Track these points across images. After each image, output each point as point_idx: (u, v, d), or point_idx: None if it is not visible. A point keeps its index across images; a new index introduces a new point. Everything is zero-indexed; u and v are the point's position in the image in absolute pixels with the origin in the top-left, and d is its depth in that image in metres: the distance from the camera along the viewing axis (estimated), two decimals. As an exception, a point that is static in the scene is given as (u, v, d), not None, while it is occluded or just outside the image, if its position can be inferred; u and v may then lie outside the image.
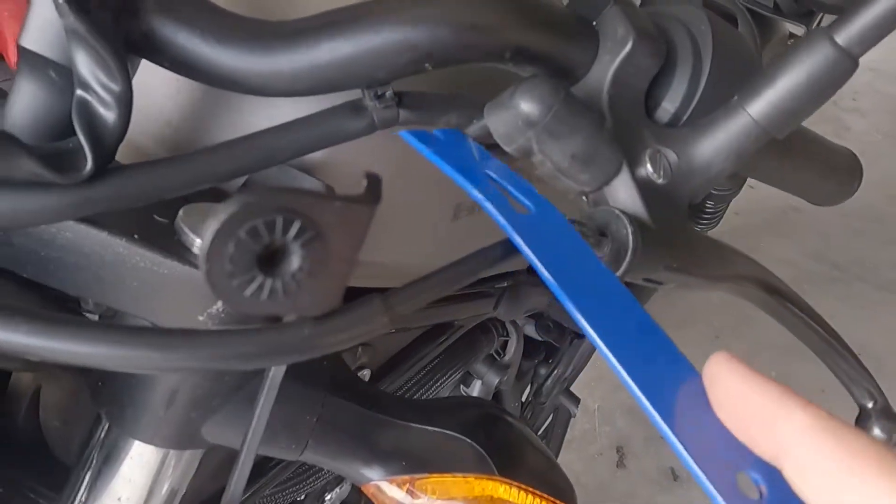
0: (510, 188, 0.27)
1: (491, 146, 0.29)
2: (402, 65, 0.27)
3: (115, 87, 0.23)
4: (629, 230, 0.26)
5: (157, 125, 0.33)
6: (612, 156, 0.27)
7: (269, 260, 0.20)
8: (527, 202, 0.26)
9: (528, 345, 0.89)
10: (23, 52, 0.24)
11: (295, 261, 0.20)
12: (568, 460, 1.57)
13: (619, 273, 0.26)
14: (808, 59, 0.26)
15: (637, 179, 0.28)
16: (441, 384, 0.61)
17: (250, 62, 0.26)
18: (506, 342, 0.73)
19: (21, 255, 0.25)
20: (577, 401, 1.10)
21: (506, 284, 0.60)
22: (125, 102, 0.23)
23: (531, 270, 0.61)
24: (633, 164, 0.28)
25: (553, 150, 0.27)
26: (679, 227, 0.29)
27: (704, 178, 0.29)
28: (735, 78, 0.31)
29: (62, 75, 0.24)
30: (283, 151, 0.27)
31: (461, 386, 0.74)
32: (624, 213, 0.26)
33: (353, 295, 0.45)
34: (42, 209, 0.23)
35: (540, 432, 1.15)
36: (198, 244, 0.26)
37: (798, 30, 1.14)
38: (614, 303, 0.23)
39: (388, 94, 0.28)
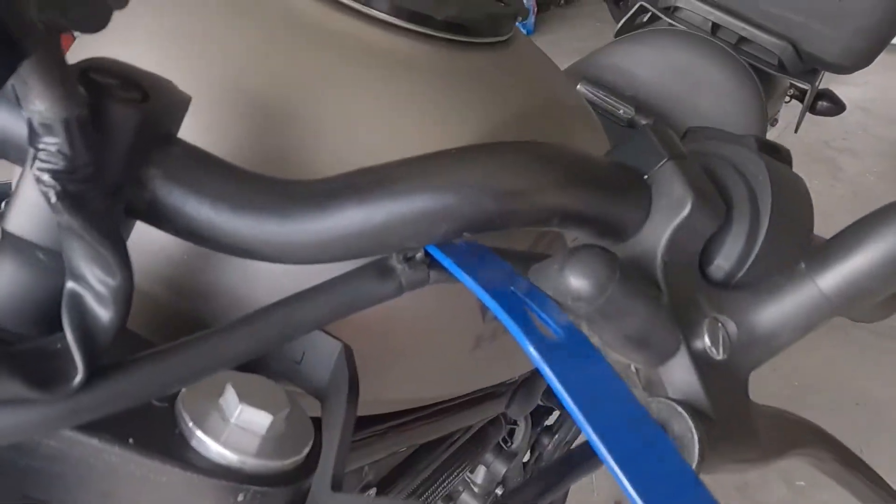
0: (536, 309, 0.25)
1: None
2: (439, 235, 0.24)
3: (113, 282, 0.20)
4: (695, 436, 0.23)
5: (160, 264, 0.30)
6: (669, 336, 0.25)
7: None
8: (553, 325, 0.24)
9: (532, 411, 0.86)
10: (7, 236, 0.21)
11: None
12: (566, 516, 1.53)
13: (682, 483, 0.23)
14: (891, 233, 0.24)
15: (694, 356, 0.25)
16: (448, 484, 0.58)
17: (266, 232, 0.23)
18: (513, 430, 0.70)
19: (-4, 465, 0.21)
20: (578, 464, 1.06)
21: (517, 380, 0.57)
22: (124, 297, 0.20)
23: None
24: (690, 337, 0.25)
25: (604, 330, 0.24)
26: (740, 408, 0.26)
27: (766, 351, 0.26)
28: (795, 232, 0.28)
29: (51, 258, 0.21)
30: (303, 325, 0.24)
31: (466, 473, 0.71)
32: (685, 409, 0.23)
33: (367, 423, 0.42)
34: (24, 426, 0.19)
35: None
36: (198, 436, 0.23)
37: (804, 86, 1.13)
38: (641, 438, 0.22)
39: (419, 256, 0.26)
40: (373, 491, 0.45)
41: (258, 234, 0.23)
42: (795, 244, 0.28)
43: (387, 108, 0.31)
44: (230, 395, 0.24)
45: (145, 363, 0.21)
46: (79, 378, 0.19)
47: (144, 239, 0.30)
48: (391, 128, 0.31)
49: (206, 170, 0.23)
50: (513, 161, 0.24)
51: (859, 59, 1.06)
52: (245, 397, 0.24)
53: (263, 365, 0.28)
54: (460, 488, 0.71)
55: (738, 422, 0.25)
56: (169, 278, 0.30)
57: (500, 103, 0.35)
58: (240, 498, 0.23)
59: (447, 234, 0.24)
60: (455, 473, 0.59)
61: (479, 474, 0.71)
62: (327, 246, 0.23)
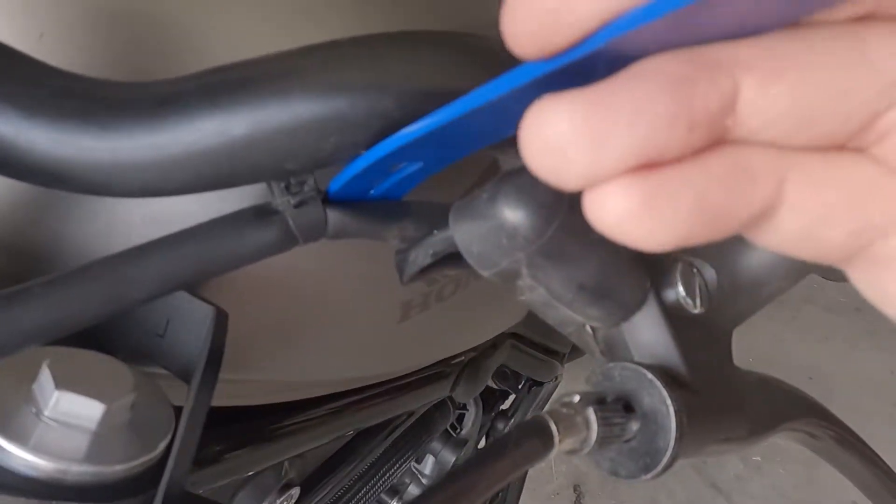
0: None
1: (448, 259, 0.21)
2: (327, 152, 0.18)
3: None
4: (671, 408, 0.17)
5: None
6: (634, 284, 0.19)
7: None
8: None
9: (485, 394, 0.81)
10: None
11: None
12: (524, 502, 1.49)
13: (651, 474, 0.17)
14: None
15: (666, 308, 0.20)
16: (390, 477, 0.52)
17: (79, 148, 0.17)
18: (462, 415, 0.64)
19: None
20: (535, 449, 1.02)
21: (463, 360, 0.52)
22: None
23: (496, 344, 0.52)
24: (659, 286, 0.20)
25: (552, 278, 0.18)
26: (723, 375, 0.20)
27: (751, 302, 0.21)
28: None
29: None
30: (150, 284, 0.18)
31: (412, 463, 0.65)
32: (657, 375, 0.18)
33: (283, 411, 0.36)
34: None
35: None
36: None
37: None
38: None
39: (308, 186, 0.19)
40: (295, 491, 0.39)
41: (68, 151, 0.17)
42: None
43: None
44: (45, 379, 0.18)
45: None
46: None
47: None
48: (274, 22, 0.24)
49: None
50: (423, 53, 0.18)
51: None
52: (66, 381, 0.18)
53: (116, 341, 0.22)
54: (407, 480, 0.65)
55: (721, 391, 0.20)
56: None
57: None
58: (49, 520, 0.16)
59: (338, 150, 0.18)
60: (398, 464, 0.53)
61: (427, 464, 0.66)
62: (170, 169, 0.17)
